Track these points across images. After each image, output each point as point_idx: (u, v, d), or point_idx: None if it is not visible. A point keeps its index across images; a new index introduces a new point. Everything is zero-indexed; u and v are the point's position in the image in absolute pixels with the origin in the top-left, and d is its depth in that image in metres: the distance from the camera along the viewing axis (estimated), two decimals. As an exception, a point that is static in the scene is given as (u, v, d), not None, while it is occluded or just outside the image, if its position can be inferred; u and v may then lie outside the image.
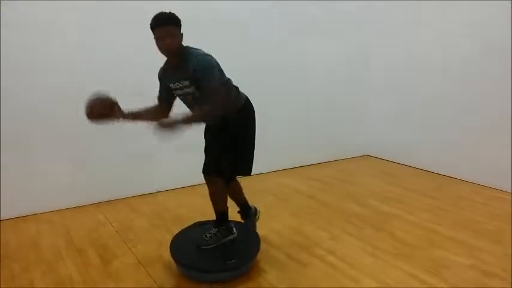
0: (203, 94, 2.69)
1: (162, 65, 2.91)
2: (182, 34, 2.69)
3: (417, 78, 5.27)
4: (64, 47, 4.02)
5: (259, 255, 3.08)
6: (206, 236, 3.02)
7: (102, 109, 2.68)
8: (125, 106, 2.79)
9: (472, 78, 4.65)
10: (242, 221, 3.37)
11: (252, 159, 3.07)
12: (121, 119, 2.76)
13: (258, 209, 3.46)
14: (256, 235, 3.18)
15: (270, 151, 5.09)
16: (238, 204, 3.33)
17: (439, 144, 5.10)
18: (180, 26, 2.67)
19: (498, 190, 4.48)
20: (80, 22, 4.03)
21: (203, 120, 2.76)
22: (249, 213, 3.36)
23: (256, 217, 3.43)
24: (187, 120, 2.59)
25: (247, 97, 3.02)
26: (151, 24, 2.64)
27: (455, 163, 4.93)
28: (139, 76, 4.13)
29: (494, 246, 3.28)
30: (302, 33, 5.27)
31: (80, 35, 4.06)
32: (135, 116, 2.85)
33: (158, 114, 2.90)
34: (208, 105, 2.64)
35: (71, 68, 4.08)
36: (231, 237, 3.08)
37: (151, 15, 2.64)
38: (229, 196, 3.18)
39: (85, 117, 2.68)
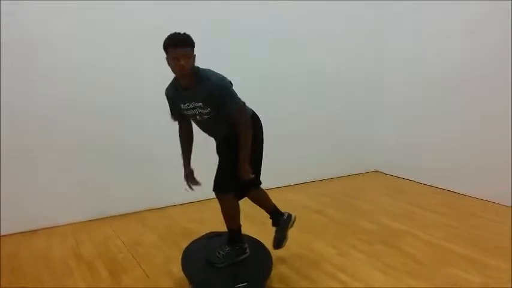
0: (223, 116, 2.75)
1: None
2: (195, 55, 2.66)
3: (428, 95, 5.28)
4: (72, 57, 4.07)
5: (269, 272, 3.08)
6: (219, 253, 2.97)
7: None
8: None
9: (485, 96, 4.65)
10: (273, 227, 3.26)
11: (260, 173, 3.05)
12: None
13: (293, 215, 3.32)
14: (268, 254, 3.13)
15: (277, 166, 5.08)
16: (267, 211, 3.25)
17: (448, 161, 5.09)
18: (194, 47, 2.65)
19: (508, 207, 4.45)
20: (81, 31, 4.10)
21: (249, 143, 2.80)
22: (279, 220, 3.24)
23: (290, 224, 3.28)
24: (245, 155, 2.78)
25: (253, 112, 3.01)
26: (166, 44, 2.60)
27: (465, 180, 4.91)
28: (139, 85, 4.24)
29: (505, 263, 3.25)
30: (310, 47, 5.31)
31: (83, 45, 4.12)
32: (189, 161, 3.12)
33: (189, 139, 3.09)
34: (239, 128, 2.76)
35: (84, 82, 4.15)
36: (243, 256, 3.04)
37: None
38: (257, 205, 3.19)
39: None
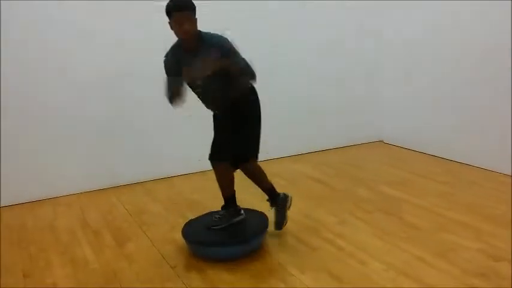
0: (226, 80, 2.76)
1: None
2: (197, 19, 2.70)
3: (431, 64, 5.24)
4: (89, 33, 4.12)
5: (269, 238, 3.16)
6: (215, 217, 3.11)
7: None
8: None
9: (487, 63, 4.59)
10: (270, 207, 3.25)
11: (259, 143, 3.06)
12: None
13: (289, 196, 3.28)
14: (264, 216, 3.22)
15: (280, 136, 5.09)
16: (263, 190, 3.21)
17: (450, 131, 5.08)
18: (196, 10, 2.68)
19: (508, 176, 4.45)
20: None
21: (243, 72, 2.80)
22: (277, 200, 3.20)
23: (288, 205, 3.25)
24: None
25: (253, 85, 3.01)
26: (168, 8, 2.63)
27: (467, 149, 4.91)
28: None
29: (503, 231, 3.28)
30: (312, 11, 5.22)
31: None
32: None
33: None
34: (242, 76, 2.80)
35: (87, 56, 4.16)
36: (239, 218, 3.14)
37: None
38: (252, 181, 3.17)
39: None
